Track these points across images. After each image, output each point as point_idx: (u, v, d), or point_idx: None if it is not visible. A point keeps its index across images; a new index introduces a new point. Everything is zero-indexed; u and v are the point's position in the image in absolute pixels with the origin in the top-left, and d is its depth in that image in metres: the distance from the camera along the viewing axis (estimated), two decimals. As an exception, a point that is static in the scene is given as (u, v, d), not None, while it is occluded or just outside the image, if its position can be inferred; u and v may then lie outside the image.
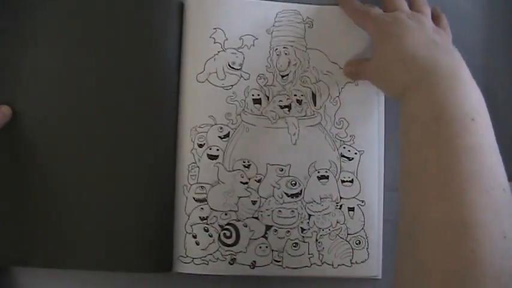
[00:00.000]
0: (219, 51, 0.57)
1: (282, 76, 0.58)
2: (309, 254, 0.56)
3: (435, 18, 0.55)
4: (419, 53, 0.48)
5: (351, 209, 0.57)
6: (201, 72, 0.56)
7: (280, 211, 0.56)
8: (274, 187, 0.56)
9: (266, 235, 0.56)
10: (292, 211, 0.56)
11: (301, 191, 0.57)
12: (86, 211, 0.54)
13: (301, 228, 0.56)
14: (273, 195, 0.56)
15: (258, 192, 0.56)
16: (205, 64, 0.57)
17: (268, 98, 0.57)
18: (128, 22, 0.56)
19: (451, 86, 0.45)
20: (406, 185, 0.46)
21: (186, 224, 0.55)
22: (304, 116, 0.58)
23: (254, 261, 0.55)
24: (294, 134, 0.57)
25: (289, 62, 0.58)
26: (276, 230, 0.56)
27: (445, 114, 0.44)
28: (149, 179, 0.55)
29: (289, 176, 0.57)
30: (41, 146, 0.54)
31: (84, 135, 0.55)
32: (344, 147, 0.58)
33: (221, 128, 0.56)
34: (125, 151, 0.55)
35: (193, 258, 0.55)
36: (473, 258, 0.39)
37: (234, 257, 0.55)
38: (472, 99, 0.45)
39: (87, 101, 0.55)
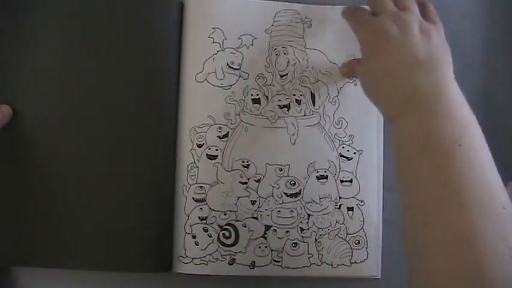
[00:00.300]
0: (218, 51, 0.57)
1: (281, 76, 0.58)
2: (308, 254, 0.56)
3: (421, 9, 0.52)
4: (401, 77, 0.47)
5: (350, 209, 0.57)
6: (200, 72, 0.56)
7: (279, 211, 0.56)
8: (273, 187, 0.56)
9: (265, 235, 0.56)
10: (292, 211, 0.56)
11: (300, 190, 0.57)
12: (86, 211, 0.54)
13: (301, 228, 0.56)
14: (272, 195, 0.56)
15: (257, 192, 0.56)
16: (204, 64, 0.57)
17: (267, 97, 0.57)
18: (127, 22, 0.56)
19: (435, 112, 0.44)
20: (405, 203, 0.46)
21: (185, 224, 0.55)
22: (303, 115, 0.58)
23: (253, 262, 0.55)
24: (293, 134, 0.57)
25: (288, 62, 0.58)
26: (275, 230, 0.56)
27: (430, 144, 0.44)
28: (149, 179, 0.55)
29: (288, 176, 0.57)
30: (41, 146, 0.54)
31: (84, 135, 0.55)
32: (343, 147, 0.58)
33: (220, 128, 0.56)
34: (124, 151, 0.55)
35: (192, 258, 0.55)
36: (479, 271, 0.39)
37: (234, 257, 0.55)
38: (457, 123, 0.44)
39: (87, 101, 0.55)
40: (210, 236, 0.55)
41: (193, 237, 0.55)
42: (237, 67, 0.57)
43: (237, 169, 0.56)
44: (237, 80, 0.57)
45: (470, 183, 0.42)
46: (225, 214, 0.55)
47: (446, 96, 0.45)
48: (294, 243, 0.56)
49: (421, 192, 0.44)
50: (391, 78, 0.47)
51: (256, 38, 0.58)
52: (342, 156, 0.58)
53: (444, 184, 0.42)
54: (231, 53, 0.57)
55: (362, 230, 0.57)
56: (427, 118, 0.44)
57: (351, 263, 0.57)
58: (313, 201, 0.57)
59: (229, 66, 0.57)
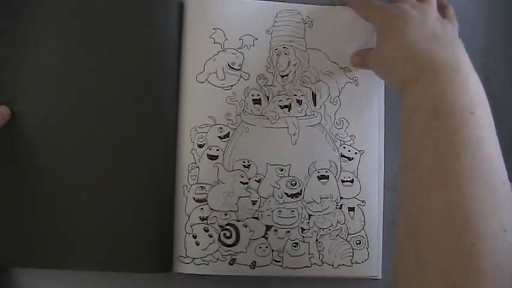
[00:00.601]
0: (218, 52, 0.57)
1: (282, 76, 0.58)
2: (309, 254, 0.56)
3: (441, 9, 0.54)
4: (419, 47, 0.48)
5: (351, 209, 0.57)
6: (200, 73, 0.56)
7: (280, 211, 0.56)
8: (274, 187, 0.56)
9: (266, 235, 0.56)
10: (292, 211, 0.56)
11: (301, 191, 0.57)
12: (85, 211, 0.54)
13: (302, 228, 0.56)
14: (273, 195, 0.56)
15: (258, 192, 0.56)
16: (204, 64, 0.57)
17: (268, 98, 0.57)
18: (127, 22, 0.56)
19: (450, 80, 0.45)
20: (404, 178, 0.46)
21: (186, 224, 0.55)
22: (304, 115, 0.58)
23: (254, 262, 0.55)
24: (294, 134, 0.57)
25: (289, 62, 0.58)
26: (276, 230, 0.56)
27: (443, 109, 0.44)
28: (149, 179, 0.55)
29: (289, 176, 0.57)
30: (41, 146, 0.54)
31: (84, 135, 0.55)
32: (344, 147, 0.58)
33: (221, 128, 0.56)
34: (124, 151, 0.55)
35: (193, 258, 0.55)
36: (474, 252, 0.39)
37: (234, 257, 0.55)
38: (471, 93, 0.45)
39: (87, 101, 0.55)
40: (210, 236, 0.55)
41: (194, 237, 0.55)
42: (238, 67, 0.57)
43: (238, 169, 0.56)
44: (238, 81, 0.57)
45: (473, 156, 0.42)
46: (225, 214, 0.55)
47: (463, 66, 0.47)
48: (295, 243, 0.56)
49: (424, 156, 0.44)
50: (410, 46, 0.49)
51: (257, 39, 0.58)
52: (343, 156, 0.58)
53: (448, 144, 0.43)
54: (232, 53, 0.57)
55: (363, 230, 0.57)
56: (442, 83, 0.45)
57: (351, 263, 0.57)
58: (314, 201, 0.57)
59: (230, 66, 0.57)
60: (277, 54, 0.58)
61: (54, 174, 0.54)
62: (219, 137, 0.56)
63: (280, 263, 0.56)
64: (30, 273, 0.56)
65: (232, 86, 0.57)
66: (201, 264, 0.55)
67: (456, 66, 0.46)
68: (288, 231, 0.56)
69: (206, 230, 0.55)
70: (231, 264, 0.55)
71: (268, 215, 0.56)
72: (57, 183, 0.54)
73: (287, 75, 0.58)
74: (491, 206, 0.40)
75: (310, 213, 0.57)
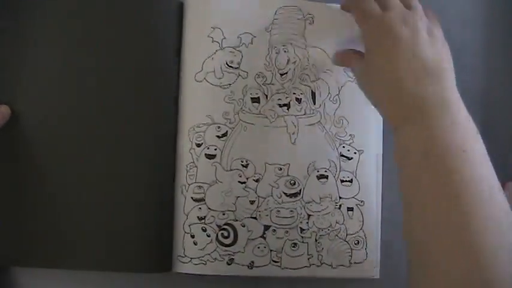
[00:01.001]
0: (216, 50, 0.57)
1: (281, 74, 0.57)
2: (308, 254, 0.56)
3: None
4: (407, 86, 0.47)
5: (350, 209, 0.57)
6: (199, 72, 0.56)
7: (278, 211, 0.56)
8: (272, 187, 0.56)
9: (264, 235, 0.56)
10: (291, 211, 0.56)
11: (300, 190, 0.56)
12: (85, 211, 0.54)
13: (301, 228, 0.56)
14: (272, 195, 0.56)
15: (256, 192, 0.56)
16: (203, 63, 0.56)
17: (266, 96, 0.57)
18: (127, 22, 0.56)
19: (440, 124, 0.45)
20: (409, 215, 0.46)
21: (184, 224, 0.55)
22: (304, 114, 0.57)
23: (252, 262, 0.55)
24: (293, 133, 0.57)
25: (288, 60, 0.58)
26: (274, 230, 0.56)
27: (436, 150, 0.44)
28: (149, 179, 0.55)
29: (288, 175, 0.56)
30: (41, 146, 0.54)
31: (83, 135, 0.54)
32: (343, 147, 0.57)
33: (219, 127, 0.56)
34: (124, 151, 0.54)
35: (191, 258, 0.55)
36: (479, 271, 0.39)
37: (232, 257, 0.55)
38: (462, 131, 0.45)
39: (87, 101, 0.55)
40: (208, 236, 0.55)
41: (192, 236, 0.55)
42: (236, 66, 0.57)
43: (236, 169, 0.56)
44: (236, 79, 0.57)
45: (472, 194, 0.42)
46: (223, 214, 0.55)
47: (452, 104, 0.46)
48: (294, 243, 0.56)
49: (423, 195, 0.44)
50: (397, 84, 0.47)
51: (255, 37, 0.57)
52: (342, 155, 0.57)
53: (445, 185, 0.43)
54: (230, 51, 0.57)
55: (361, 231, 0.57)
56: (433, 125, 0.45)
57: (350, 263, 0.56)
58: (313, 201, 0.56)
59: (228, 65, 0.57)
60: (276, 52, 0.58)
61: (54, 173, 0.54)
62: (217, 136, 0.56)
63: (278, 263, 0.55)
64: (30, 273, 0.56)
65: (230, 84, 0.56)
66: (199, 264, 0.54)
67: (446, 105, 0.46)
68: (287, 231, 0.56)
69: (204, 230, 0.55)
70: (228, 264, 0.55)
71: (267, 215, 0.56)
72: (57, 182, 0.54)
73: (286, 73, 0.58)
74: (499, 239, 0.41)
75: (310, 213, 0.56)
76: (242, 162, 0.56)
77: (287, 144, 0.57)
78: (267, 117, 0.57)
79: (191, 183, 0.55)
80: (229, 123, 0.56)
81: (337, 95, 0.58)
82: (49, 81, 0.55)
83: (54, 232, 0.54)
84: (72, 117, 0.55)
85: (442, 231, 0.42)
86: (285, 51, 0.58)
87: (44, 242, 0.54)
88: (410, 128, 0.46)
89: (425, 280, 0.43)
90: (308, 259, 0.56)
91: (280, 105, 0.57)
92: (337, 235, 0.56)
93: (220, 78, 0.56)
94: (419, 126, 0.45)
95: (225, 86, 0.56)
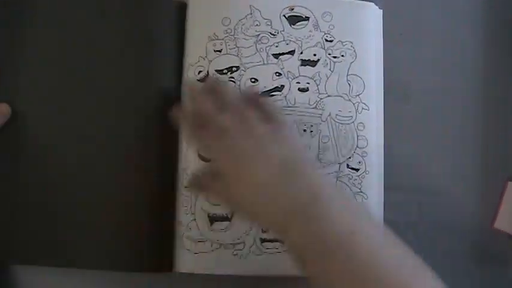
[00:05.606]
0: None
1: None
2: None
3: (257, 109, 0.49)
4: (273, 195, 0.45)
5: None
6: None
7: None
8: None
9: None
10: None
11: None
12: (86, 211, 0.54)
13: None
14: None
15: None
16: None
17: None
18: (127, 22, 0.56)
19: (318, 214, 0.43)
20: None
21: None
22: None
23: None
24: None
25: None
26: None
27: (322, 249, 0.43)
28: (150, 178, 0.55)
29: None
30: (41, 145, 0.54)
31: (84, 135, 0.55)
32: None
33: None
34: (125, 151, 0.55)
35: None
36: None
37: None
38: (342, 215, 0.44)
39: (87, 101, 0.55)
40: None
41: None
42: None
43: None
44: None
45: (377, 279, 0.41)
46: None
47: (322, 195, 0.44)
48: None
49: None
50: (263, 198, 0.45)
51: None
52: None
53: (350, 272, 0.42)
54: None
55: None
56: (308, 232, 0.43)
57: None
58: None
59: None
60: None
61: (54, 173, 0.54)
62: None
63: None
64: (30, 272, 0.56)
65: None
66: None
67: (316, 197, 0.44)
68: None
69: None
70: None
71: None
72: (58, 182, 0.54)
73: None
74: None
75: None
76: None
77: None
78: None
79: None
80: None
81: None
82: (49, 81, 0.55)
83: (54, 231, 0.54)
84: (72, 116, 0.55)
85: None
86: None
87: (44, 241, 0.54)
88: (293, 231, 0.44)
89: None
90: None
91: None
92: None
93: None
94: (300, 227, 0.44)
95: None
